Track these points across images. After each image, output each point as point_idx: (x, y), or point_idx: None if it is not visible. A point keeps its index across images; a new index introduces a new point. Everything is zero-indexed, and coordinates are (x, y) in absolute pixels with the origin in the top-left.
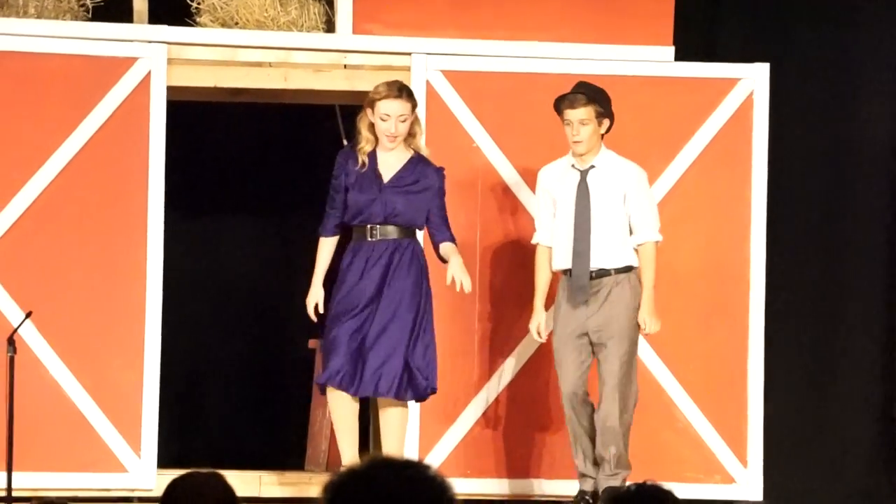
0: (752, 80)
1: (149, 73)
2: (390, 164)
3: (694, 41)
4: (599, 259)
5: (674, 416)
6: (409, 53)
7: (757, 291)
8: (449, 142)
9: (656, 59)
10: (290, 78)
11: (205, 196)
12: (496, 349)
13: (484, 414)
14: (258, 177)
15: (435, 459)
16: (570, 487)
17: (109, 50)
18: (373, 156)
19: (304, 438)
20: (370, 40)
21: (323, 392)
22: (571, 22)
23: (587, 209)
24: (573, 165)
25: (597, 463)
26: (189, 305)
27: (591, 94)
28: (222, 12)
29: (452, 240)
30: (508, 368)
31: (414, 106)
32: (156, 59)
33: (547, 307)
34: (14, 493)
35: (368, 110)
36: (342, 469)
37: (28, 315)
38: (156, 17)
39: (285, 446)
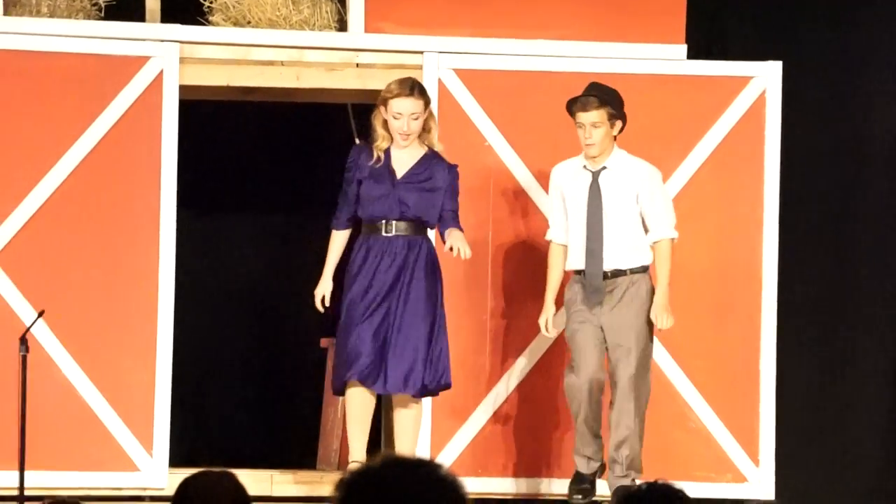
0: (764, 78)
1: (161, 72)
2: (403, 160)
3: (706, 39)
4: (613, 260)
5: (685, 414)
6: (422, 52)
7: (769, 289)
8: (461, 140)
9: (669, 58)
10: (303, 77)
11: (217, 195)
12: (508, 348)
13: (495, 413)
14: (270, 176)
15: (447, 458)
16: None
17: (122, 49)
18: (387, 152)
19: (315, 437)
20: (382, 39)
21: (339, 391)
22: (584, 20)
23: (599, 210)
24: (585, 166)
25: (600, 447)
26: (201, 304)
27: (604, 96)
28: (235, 11)
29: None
30: (520, 367)
31: (427, 103)
32: (168, 58)
33: (558, 304)
34: (26, 492)
35: (381, 108)
36: (353, 467)
37: (40, 314)
38: (168, 16)
39: (297, 445)
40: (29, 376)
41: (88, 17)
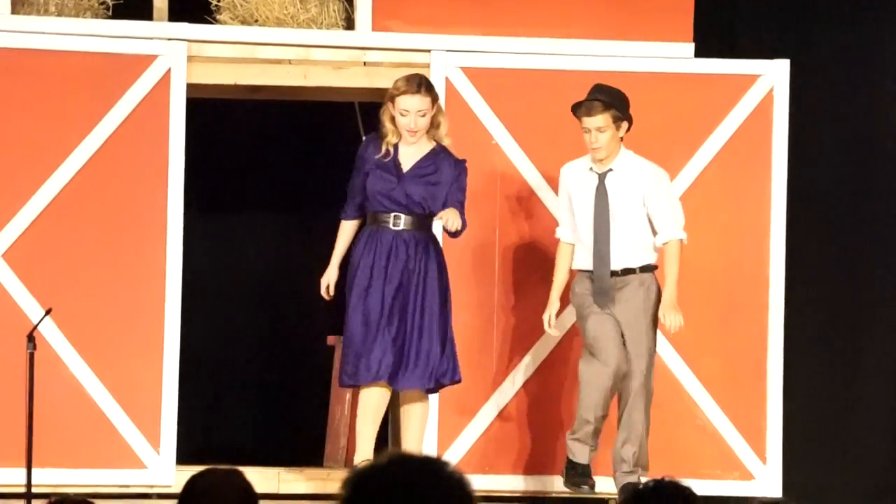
0: (772, 77)
1: (168, 70)
2: (411, 154)
3: (714, 37)
4: (621, 260)
5: (693, 412)
6: (429, 50)
7: (776, 288)
8: (468, 139)
9: (676, 56)
10: (310, 75)
11: (224, 193)
12: (515, 346)
13: (502, 410)
14: (277, 174)
15: (454, 455)
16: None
17: (129, 47)
18: (395, 146)
19: (323, 435)
20: (389, 37)
21: (348, 385)
22: (591, 18)
23: (606, 212)
24: (592, 168)
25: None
26: (208, 302)
27: (608, 99)
28: (242, 10)
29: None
30: (527, 365)
31: (434, 99)
32: (175, 56)
33: (563, 302)
34: (33, 490)
35: (389, 104)
36: (361, 465)
37: (48, 312)
38: (175, 15)
39: (304, 442)
40: (36, 374)
41: (96, 15)
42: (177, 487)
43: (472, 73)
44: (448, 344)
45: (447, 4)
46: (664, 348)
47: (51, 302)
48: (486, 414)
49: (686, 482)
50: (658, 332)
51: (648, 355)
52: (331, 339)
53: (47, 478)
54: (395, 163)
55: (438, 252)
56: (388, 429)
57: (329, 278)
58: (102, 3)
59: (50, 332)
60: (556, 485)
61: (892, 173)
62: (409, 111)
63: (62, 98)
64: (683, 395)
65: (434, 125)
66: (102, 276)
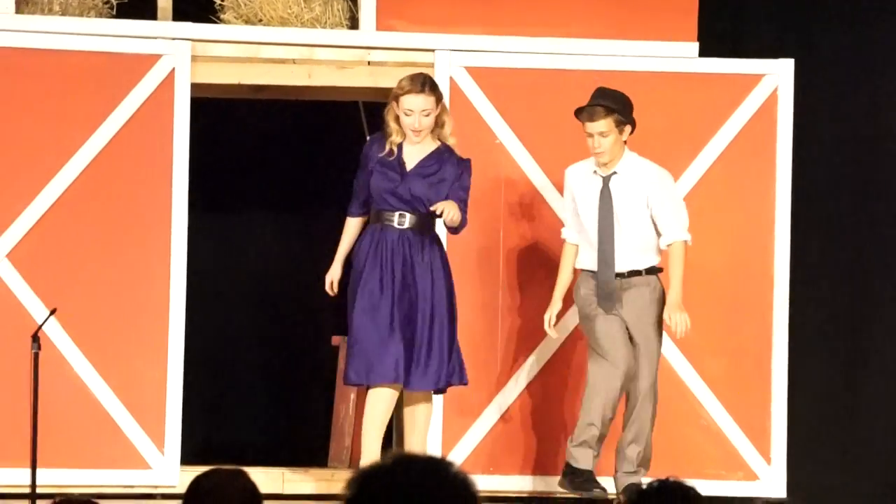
0: (776, 76)
1: (173, 70)
2: (415, 154)
3: (718, 37)
4: (626, 262)
5: (697, 412)
6: (433, 50)
7: (781, 287)
8: (472, 138)
9: (681, 55)
10: (314, 75)
11: (228, 193)
12: (519, 346)
13: (507, 411)
14: (281, 173)
15: (458, 456)
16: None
17: (133, 47)
18: (399, 146)
19: (327, 435)
20: (394, 37)
21: (354, 383)
22: (596, 18)
23: (610, 215)
24: (596, 171)
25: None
26: (213, 302)
27: (610, 104)
28: (246, 9)
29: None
30: (531, 365)
31: (438, 99)
32: (180, 56)
33: (566, 303)
34: (38, 490)
35: (394, 104)
36: (365, 465)
37: (52, 312)
38: (180, 14)
39: (309, 443)
40: (41, 374)
41: (100, 15)
42: (181, 488)
43: (476, 73)
44: (455, 345)
45: (451, 4)
46: (668, 348)
47: (55, 302)
48: (491, 414)
49: (690, 482)
50: (663, 332)
51: (656, 356)
52: (335, 340)
53: (52, 478)
54: (400, 161)
55: (443, 251)
56: (393, 429)
57: (333, 275)
58: (106, 3)
59: (54, 332)
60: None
61: None
62: (413, 111)
63: (66, 97)
64: (688, 395)
65: (438, 125)
66: (107, 276)
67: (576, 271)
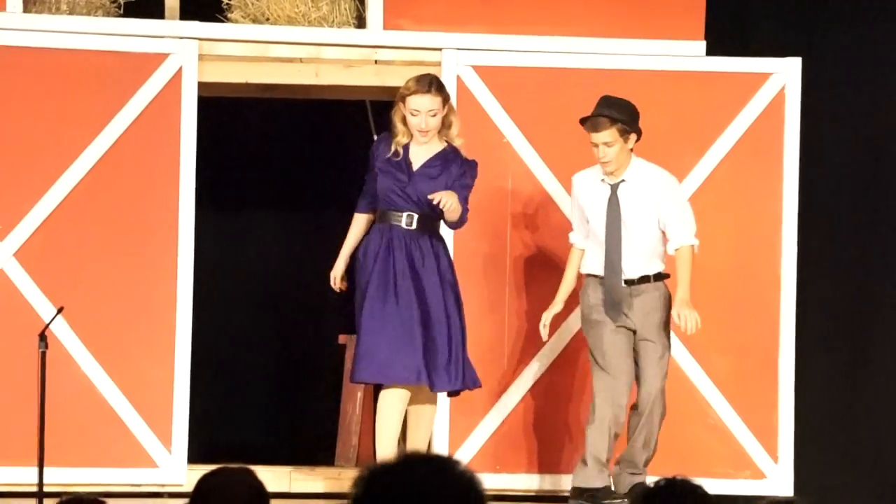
0: (783, 75)
1: (180, 69)
2: (421, 154)
3: (725, 36)
4: (634, 269)
5: (704, 410)
6: (440, 49)
7: (788, 286)
8: (479, 137)
9: (688, 54)
10: (321, 73)
11: (235, 192)
12: (526, 346)
13: (513, 410)
14: (289, 172)
15: (464, 455)
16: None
17: (141, 46)
18: (406, 146)
19: (334, 434)
20: (401, 36)
21: (365, 380)
22: (603, 17)
23: (618, 222)
24: (604, 179)
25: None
26: (220, 301)
27: (614, 114)
28: (253, 8)
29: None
30: (537, 364)
31: (445, 99)
32: (187, 55)
33: (568, 305)
34: (45, 489)
35: (400, 104)
36: (372, 464)
37: (59, 311)
38: (187, 14)
39: (315, 442)
40: (48, 373)
41: (108, 14)
42: (188, 486)
43: (483, 72)
44: (465, 346)
45: (458, 3)
46: (676, 347)
47: (62, 301)
48: (497, 413)
49: (697, 481)
50: (671, 332)
51: (664, 360)
52: (342, 338)
53: (59, 477)
54: (406, 161)
55: (448, 253)
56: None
57: (337, 272)
58: (114, 2)
59: (62, 331)
60: (567, 483)
61: None
62: (419, 111)
63: (73, 96)
64: (695, 394)
65: (445, 125)
66: (114, 275)
67: (581, 275)
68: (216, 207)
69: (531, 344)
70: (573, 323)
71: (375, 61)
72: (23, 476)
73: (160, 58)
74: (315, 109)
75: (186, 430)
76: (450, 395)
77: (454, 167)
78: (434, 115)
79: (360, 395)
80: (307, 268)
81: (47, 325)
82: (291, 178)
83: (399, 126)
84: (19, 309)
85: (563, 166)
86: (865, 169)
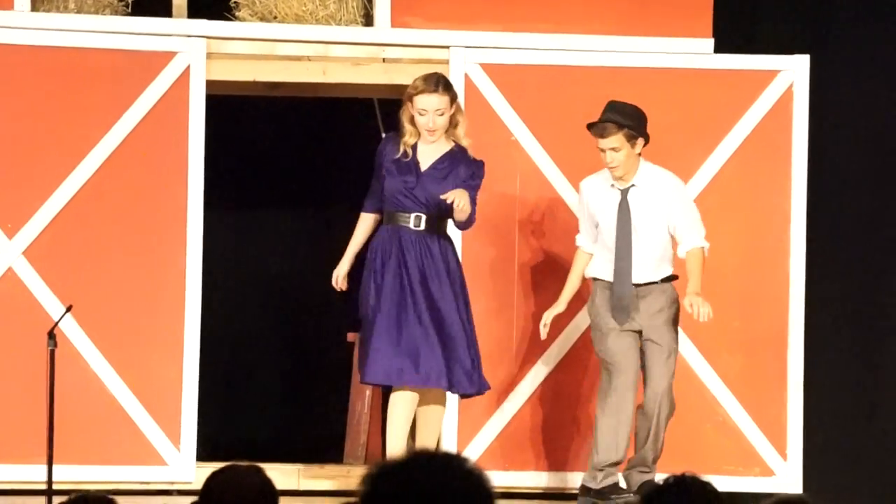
0: (791, 72)
1: (188, 67)
2: (429, 154)
3: (733, 33)
4: (643, 273)
5: (713, 408)
6: (448, 47)
7: (797, 284)
8: (487, 135)
9: (696, 52)
10: (329, 72)
11: (244, 190)
12: (535, 344)
13: (522, 408)
14: (297, 170)
15: (473, 452)
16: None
17: (149, 44)
18: (414, 146)
19: (343, 432)
20: (408, 34)
21: (374, 382)
22: (610, 14)
23: (628, 227)
24: (613, 185)
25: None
26: (228, 299)
27: (621, 119)
28: (261, 6)
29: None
30: (546, 363)
31: (453, 98)
32: (195, 53)
33: (572, 307)
34: (54, 486)
35: (408, 104)
36: (380, 461)
37: (68, 309)
38: (195, 12)
39: (324, 439)
40: (57, 371)
41: (115, 12)
42: (197, 484)
43: (491, 70)
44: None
45: (466, 0)
46: (685, 345)
47: (71, 299)
48: (505, 412)
49: (707, 478)
50: (679, 330)
51: (672, 359)
52: (350, 336)
53: (68, 474)
54: (414, 162)
55: (456, 254)
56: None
57: (340, 271)
58: (122, 0)
59: (71, 329)
60: (576, 481)
61: None
62: (427, 110)
63: (82, 95)
64: (704, 392)
65: (452, 124)
66: (123, 273)
67: (587, 278)
68: (224, 205)
69: (539, 343)
70: (579, 323)
71: (383, 59)
72: (32, 474)
73: (168, 56)
74: (323, 107)
75: (195, 428)
76: (462, 396)
77: (462, 167)
78: (442, 115)
79: (368, 393)
80: (315, 265)
81: (56, 323)
82: (299, 176)
83: (406, 126)
84: (28, 307)
85: (572, 164)
86: (874, 166)
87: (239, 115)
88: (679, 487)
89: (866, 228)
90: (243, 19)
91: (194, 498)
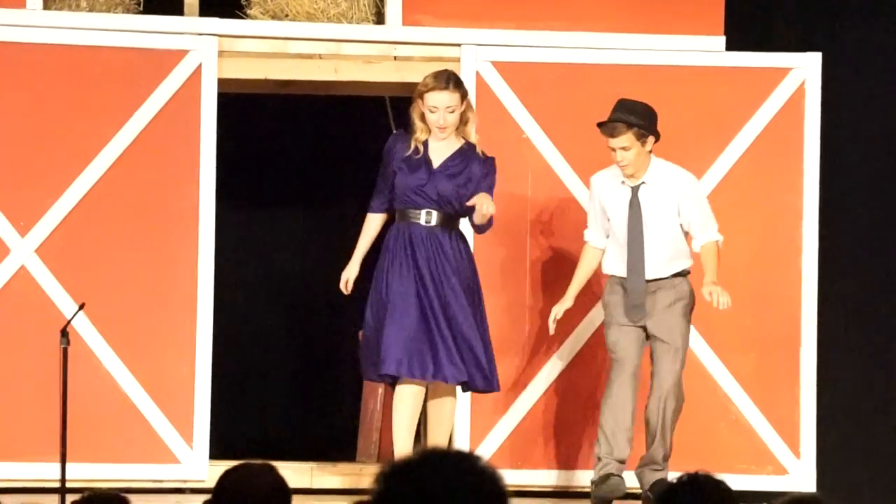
0: (803, 70)
1: (200, 65)
2: (440, 151)
3: (745, 30)
4: (655, 270)
5: (726, 406)
6: (459, 44)
7: (809, 282)
8: (499, 133)
9: (707, 49)
10: (340, 70)
11: (255, 188)
12: (546, 342)
13: (534, 406)
14: (308, 168)
15: (486, 450)
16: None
17: (160, 42)
18: (425, 143)
19: (355, 430)
20: (420, 32)
21: (383, 379)
22: (622, 12)
23: (639, 224)
24: (624, 182)
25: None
26: (241, 297)
27: (630, 118)
28: (272, 4)
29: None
30: (559, 361)
31: (463, 95)
32: (206, 51)
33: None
34: (67, 485)
35: (418, 101)
36: (394, 460)
37: (81, 307)
38: (206, 10)
39: (337, 437)
40: (70, 369)
41: (127, 10)
42: (210, 482)
43: (503, 68)
44: (489, 347)
45: None
46: (697, 343)
47: (84, 297)
48: (518, 409)
49: (719, 477)
50: (692, 327)
51: (682, 354)
52: (362, 334)
53: (81, 473)
54: (426, 159)
55: (469, 249)
56: (421, 425)
57: (350, 273)
58: None
59: (83, 327)
60: (588, 479)
61: None
62: (437, 108)
63: (94, 93)
64: (717, 390)
65: (462, 121)
66: (135, 271)
67: (604, 275)
68: (236, 203)
69: (550, 341)
70: (591, 321)
71: (395, 57)
72: (45, 472)
73: (180, 54)
74: (334, 106)
75: (208, 426)
76: (466, 389)
77: (476, 165)
78: (452, 112)
79: (381, 390)
80: (327, 263)
81: (69, 322)
82: (310, 174)
83: (417, 123)
84: (41, 305)
85: (583, 162)
86: (886, 163)
87: (250, 114)
88: (692, 486)
89: (878, 226)
90: (255, 17)
91: (207, 496)
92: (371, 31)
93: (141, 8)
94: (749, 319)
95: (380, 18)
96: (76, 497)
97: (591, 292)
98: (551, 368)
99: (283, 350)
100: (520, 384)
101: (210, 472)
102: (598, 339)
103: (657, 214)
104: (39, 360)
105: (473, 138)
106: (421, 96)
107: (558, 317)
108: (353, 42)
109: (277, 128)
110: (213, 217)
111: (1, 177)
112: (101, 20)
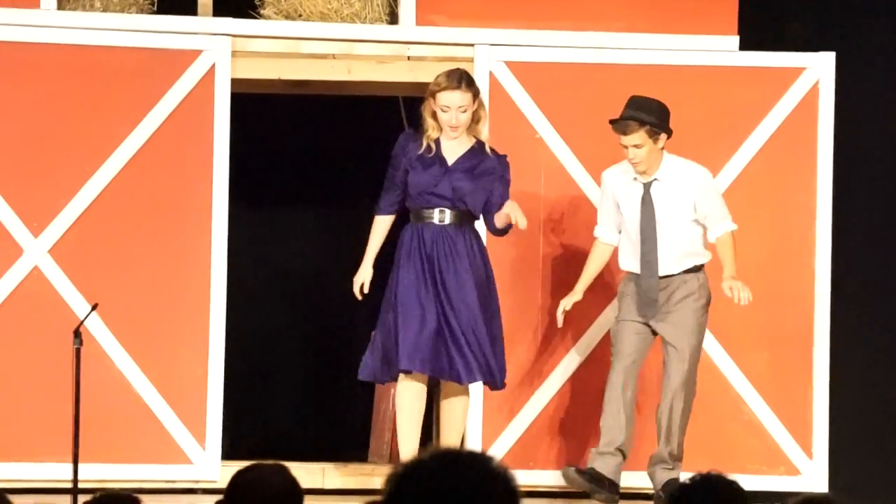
0: (817, 70)
1: (213, 65)
2: (453, 149)
3: (758, 30)
4: (667, 267)
5: (738, 406)
6: (473, 44)
7: (822, 281)
8: (512, 133)
9: (721, 49)
10: (354, 70)
11: (269, 188)
12: (559, 342)
13: (547, 406)
14: (321, 168)
15: (498, 451)
16: (633, 479)
17: (174, 43)
18: (437, 142)
19: (367, 430)
20: (433, 31)
21: (395, 377)
22: (636, 12)
23: (652, 221)
24: (636, 178)
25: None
26: (253, 297)
27: (643, 116)
28: (286, 5)
29: None
30: (571, 361)
31: (475, 94)
32: (220, 51)
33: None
34: (80, 485)
35: (430, 100)
36: (406, 461)
37: (94, 307)
38: (220, 10)
39: (349, 438)
40: (83, 369)
41: (141, 11)
42: (222, 483)
43: (516, 68)
44: (500, 344)
45: None
46: (710, 343)
47: (97, 297)
48: (531, 410)
49: (732, 477)
50: (704, 331)
51: (691, 355)
52: (374, 335)
53: (93, 473)
54: (440, 156)
55: (483, 247)
56: (432, 423)
57: (364, 277)
58: None
59: (96, 327)
60: None
61: None
62: (449, 107)
63: (108, 94)
64: (729, 390)
65: (474, 120)
66: (148, 272)
67: (601, 268)
68: (249, 204)
69: (563, 341)
70: (605, 321)
71: (408, 57)
72: (58, 472)
73: (193, 54)
74: (347, 106)
75: (220, 427)
76: (493, 387)
77: (489, 163)
78: (465, 111)
79: (393, 391)
80: (340, 264)
81: (82, 322)
82: (324, 174)
83: (429, 121)
84: (54, 305)
85: (596, 162)
86: None
87: (263, 114)
88: (705, 486)
89: (892, 225)
90: (268, 17)
91: (219, 497)
92: (384, 31)
93: (154, 8)
94: (762, 319)
95: (393, 18)
96: (88, 497)
97: (605, 293)
98: (564, 368)
99: (295, 350)
100: (532, 384)
101: (222, 473)
102: (610, 340)
103: (670, 211)
104: (52, 361)
105: (485, 137)
106: (433, 95)
107: (567, 308)
108: (367, 42)
109: (290, 128)
110: (226, 217)
111: (14, 177)
112: (115, 20)
